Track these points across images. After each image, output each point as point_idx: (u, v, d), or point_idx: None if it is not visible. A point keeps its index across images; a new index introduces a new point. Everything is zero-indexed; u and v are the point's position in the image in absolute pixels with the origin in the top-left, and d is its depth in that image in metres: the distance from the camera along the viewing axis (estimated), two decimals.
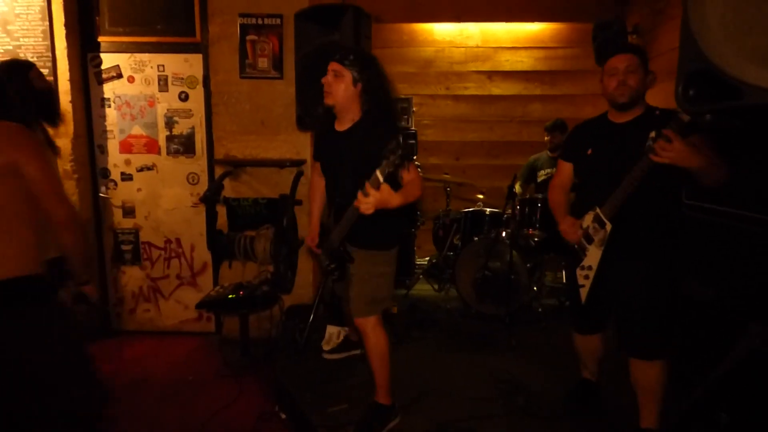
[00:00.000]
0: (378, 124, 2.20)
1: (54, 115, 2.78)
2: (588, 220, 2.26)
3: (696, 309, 2.52)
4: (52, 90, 2.85)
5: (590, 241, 2.26)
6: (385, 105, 2.28)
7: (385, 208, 2.01)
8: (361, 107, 2.27)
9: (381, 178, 1.93)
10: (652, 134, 2.07)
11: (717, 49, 1.82)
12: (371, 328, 2.40)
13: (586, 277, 2.29)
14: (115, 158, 3.91)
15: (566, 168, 2.50)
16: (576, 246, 2.34)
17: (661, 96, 2.90)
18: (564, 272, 3.11)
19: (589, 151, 2.32)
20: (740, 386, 1.90)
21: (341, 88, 2.21)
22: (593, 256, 2.26)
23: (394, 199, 2.00)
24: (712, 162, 1.92)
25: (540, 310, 4.00)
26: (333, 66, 2.22)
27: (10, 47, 3.53)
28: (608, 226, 2.16)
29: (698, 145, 1.91)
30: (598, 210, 2.20)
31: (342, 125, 2.32)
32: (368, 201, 1.94)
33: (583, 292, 2.32)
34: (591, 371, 2.65)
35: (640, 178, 2.03)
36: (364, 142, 2.15)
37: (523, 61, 5.50)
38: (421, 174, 4.59)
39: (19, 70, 2.59)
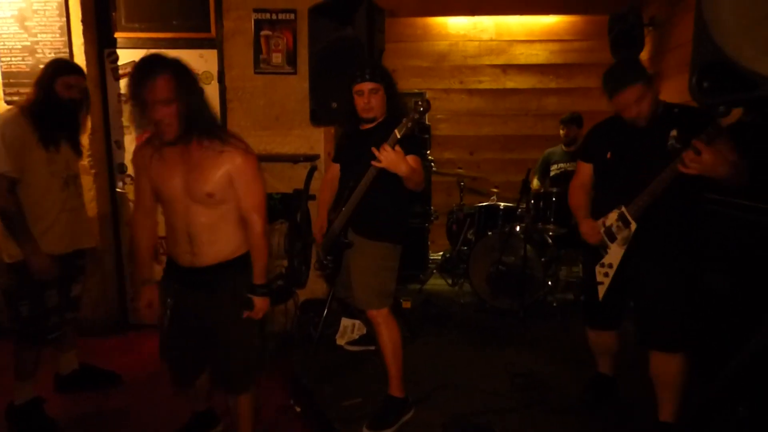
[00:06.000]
0: (399, 119, 2.39)
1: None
2: (612, 218, 2.25)
3: (715, 301, 2.49)
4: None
5: (613, 239, 2.25)
6: (401, 104, 2.56)
7: (391, 192, 2.37)
8: (386, 110, 2.50)
9: (399, 135, 2.17)
10: (674, 133, 2.06)
11: (731, 41, 1.80)
12: (383, 320, 2.48)
13: (606, 275, 2.29)
14: (131, 153, 3.93)
15: (586, 169, 2.48)
16: (597, 244, 2.33)
17: (679, 88, 2.86)
18: (582, 267, 3.10)
19: (609, 155, 2.31)
20: (758, 379, 1.88)
21: (380, 102, 2.44)
22: (615, 254, 2.25)
23: (404, 163, 2.19)
24: (738, 170, 1.90)
25: (555, 304, 3.98)
26: (368, 85, 2.40)
27: (28, 43, 3.57)
28: (633, 226, 2.16)
29: (724, 152, 1.89)
30: (623, 209, 2.19)
31: (367, 126, 2.52)
32: (386, 153, 2.15)
33: (601, 290, 2.32)
34: (606, 366, 2.64)
35: (668, 181, 2.02)
36: (386, 135, 2.29)
37: (538, 54, 5.45)
38: (434, 169, 4.67)
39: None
